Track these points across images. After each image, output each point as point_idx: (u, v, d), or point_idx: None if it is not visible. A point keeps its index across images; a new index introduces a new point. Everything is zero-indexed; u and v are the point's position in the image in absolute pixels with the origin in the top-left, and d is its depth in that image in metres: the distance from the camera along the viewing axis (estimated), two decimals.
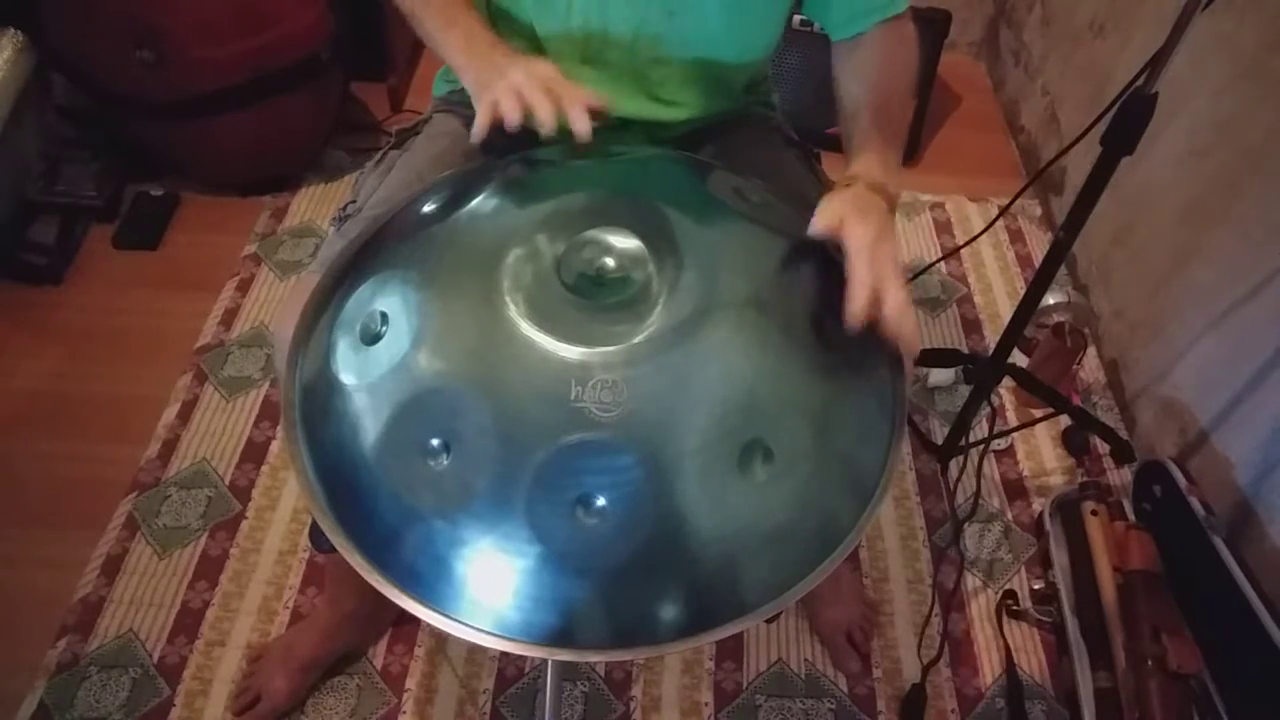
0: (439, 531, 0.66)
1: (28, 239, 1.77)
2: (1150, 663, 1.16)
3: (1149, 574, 1.26)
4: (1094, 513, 1.37)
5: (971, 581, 1.42)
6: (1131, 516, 1.41)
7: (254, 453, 1.51)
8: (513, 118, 0.80)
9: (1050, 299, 1.59)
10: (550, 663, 0.99)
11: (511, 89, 0.80)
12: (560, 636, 0.64)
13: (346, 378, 0.71)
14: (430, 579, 0.66)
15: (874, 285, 0.72)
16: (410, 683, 1.27)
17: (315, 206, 1.94)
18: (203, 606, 1.33)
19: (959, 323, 1.81)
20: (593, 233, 0.74)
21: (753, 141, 1.07)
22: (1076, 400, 1.59)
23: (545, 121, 0.79)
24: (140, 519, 1.42)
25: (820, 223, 0.76)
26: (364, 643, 1.29)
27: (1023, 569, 1.44)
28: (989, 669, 1.33)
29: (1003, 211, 1.52)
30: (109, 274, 1.78)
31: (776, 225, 0.83)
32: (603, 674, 1.28)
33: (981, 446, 1.52)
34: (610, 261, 0.73)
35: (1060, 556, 1.39)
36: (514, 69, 0.82)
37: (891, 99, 0.91)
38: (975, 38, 2.47)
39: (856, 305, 0.71)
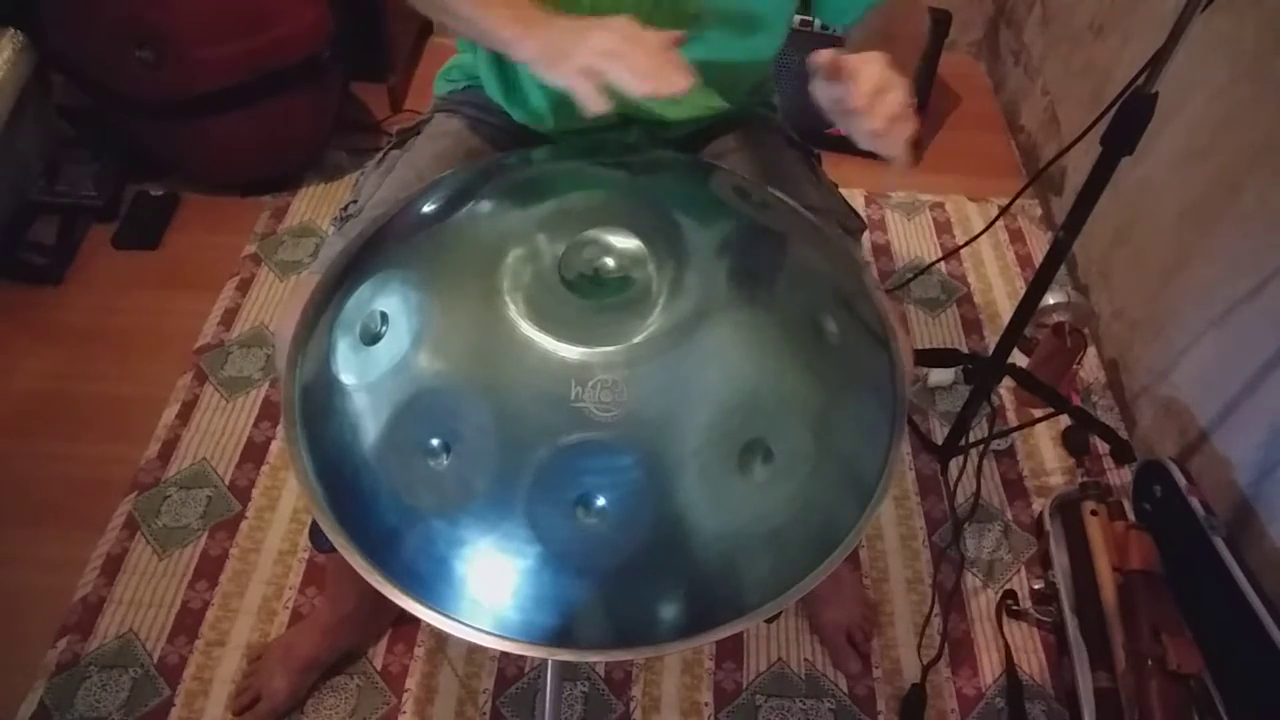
0: (439, 531, 0.66)
1: (28, 239, 1.77)
2: (1150, 663, 1.16)
3: (1149, 574, 1.26)
4: (1094, 513, 1.37)
5: (971, 581, 1.42)
6: (1131, 516, 1.41)
7: (254, 453, 1.51)
8: (640, 84, 0.70)
9: (1050, 299, 1.59)
10: (550, 663, 0.99)
11: (603, 53, 0.72)
12: (560, 636, 0.64)
13: (346, 378, 0.71)
14: (430, 579, 0.66)
15: (885, 79, 0.68)
16: (410, 683, 1.27)
17: (315, 206, 1.94)
18: (203, 606, 1.33)
19: (959, 323, 1.81)
20: (593, 233, 0.74)
21: (753, 142, 1.07)
22: (1076, 400, 1.59)
23: (648, 80, 0.71)
24: (140, 519, 1.42)
25: (823, 56, 0.71)
26: (364, 643, 1.29)
27: (1023, 569, 1.44)
28: (989, 669, 1.33)
29: (1003, 211, 1.52)
30: (109, 274, 1.78)
31: (777, 225, 0.83)
32: (603, 674, 1.28)
33: (981, 446, 1.52)
34: (610, 261, 0.73)
35: (1060, 556, 1.39)
36: (597, 30, 0.73)
37: (896, 33, 0.88)
38: (975, 38, 2.47)
39: (865, 86, 0.68)
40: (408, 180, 0.97)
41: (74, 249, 1.81)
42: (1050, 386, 1.52)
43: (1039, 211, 2.05)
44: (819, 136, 1.13)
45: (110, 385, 1.59)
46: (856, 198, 2.00)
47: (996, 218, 1.56)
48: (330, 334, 0.75)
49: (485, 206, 0.81)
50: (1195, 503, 1.30)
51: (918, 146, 2.14)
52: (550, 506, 0.63)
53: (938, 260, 1.89)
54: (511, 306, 0.69)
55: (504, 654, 1.29)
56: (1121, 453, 1.52)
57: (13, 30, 1.64)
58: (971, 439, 1.53)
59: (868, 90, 0.68)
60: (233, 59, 1.70)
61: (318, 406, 0.73)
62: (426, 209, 0.83)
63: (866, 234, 1.93)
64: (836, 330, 0.74)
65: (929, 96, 2.08)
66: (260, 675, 1.23)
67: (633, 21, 0.74)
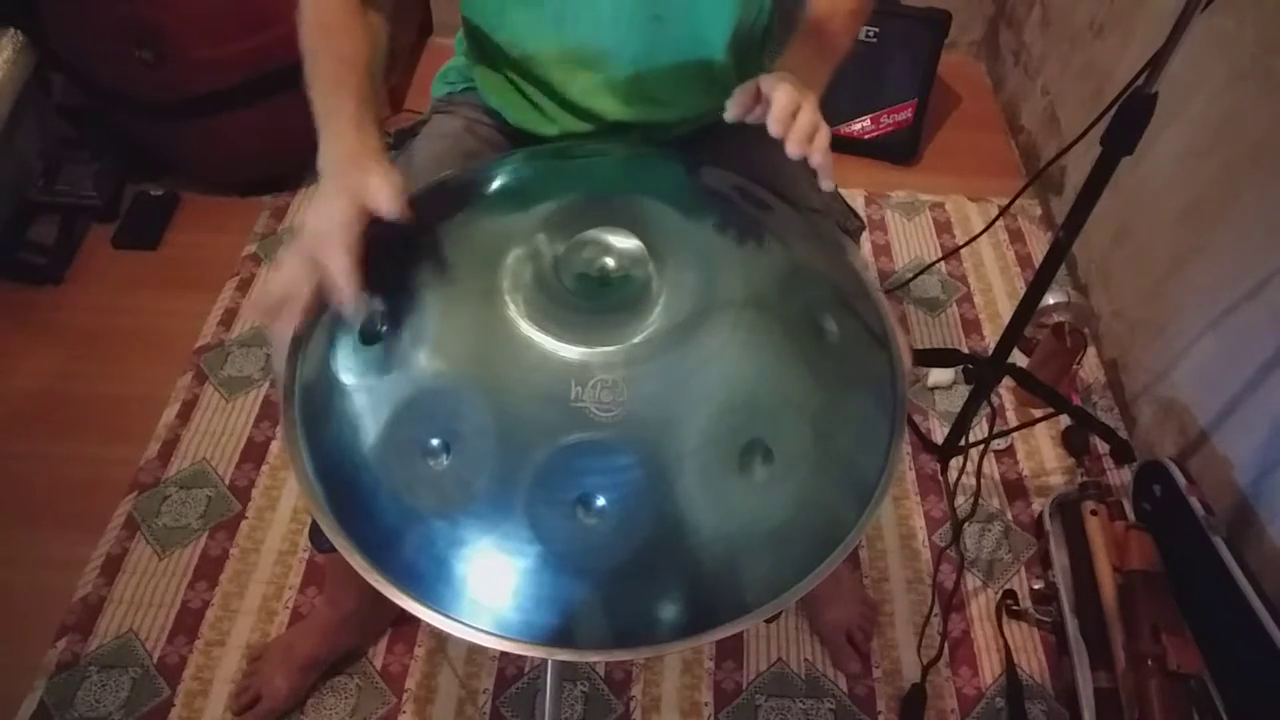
0: (439, 531, 0.66)
1: (28, 239, 1.77)
2: (1150, 663, 1.16)
3: (1149, 574, 1.26)
4: (1094, 513, 1.37)
5: (971, 581, 1.42)
6: (1131, 516, 1.41)
7: (254, 453, 1.51)
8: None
9: (1050, 299, 1.59)
10: (550, 663, 0.99)
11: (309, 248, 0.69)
12: (560, 636, 0.64)
13: (346, 377, 0.71)
14: (430, 579, 0.66)
15: (792, 101, 0.73)
16: (410, 683, 1.27)
17: None
18: (203, 606, 1.33)
19: (959, 323, 1.81)
20: (593, 233, 0.74)
21: (751, 141, 1.06)
22: (1076, 400, 1.59)
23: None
24: (140, 519, 1.42)
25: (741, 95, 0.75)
26: (364, 643, 1.29)
27: (1023, 569, 1.44)
28: (989, 669, 1.33)
29: (1003, 211, 1.52)
30: (109, 274, 1.78)
31: (776, 225, 0.83)
32: (603, 674, 1.28)
33: (981, 446, 1.52)
34: (610, 261, 0.73)
35: (1060, 556, 1.39)
36: (311, 218, 0.70)
37: (833, 18, 0.91)
38: (975, 38, 2.47)
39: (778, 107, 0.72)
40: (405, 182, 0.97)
41: (74, 249, 1.81)
42: (1050, 386, 1.52)
43: (1039, 211, 2.05)
44: None
45: (110, 385, 1.59)
46: (856, 198, 2.00)
47: (996, 218, 1.56)
48: (330, 334, 0.74)
49: (485, 207, 0.81)
50: (1195, 503, 1.30)
51: (917, 146, 2.15)
52: (550, 506, 0.63)
53: (938, 260, 1.89)
54: (511, 306, 0.68)
55: (504, 654, 1.29)
56: (1121, 453, 1.52)
57: (13, 30, 1.64)
58: (971, 439, 1.53)
59: (781, 116, 0.72)
60: (233, 59, 1.70)
61: (317, 406, 0.73)
62: (425, 209, 0.82)
63: (866, 234, 1.95)
64: (836, 330, 0.74)
65: (929, 96, 2.08)
66: (260, 675, 1.23)
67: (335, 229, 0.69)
